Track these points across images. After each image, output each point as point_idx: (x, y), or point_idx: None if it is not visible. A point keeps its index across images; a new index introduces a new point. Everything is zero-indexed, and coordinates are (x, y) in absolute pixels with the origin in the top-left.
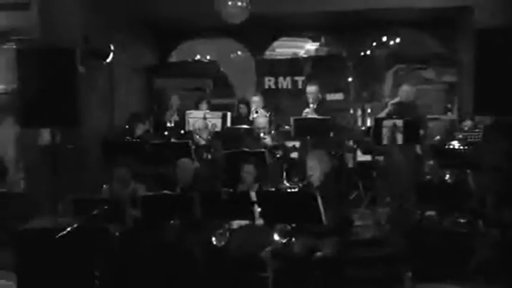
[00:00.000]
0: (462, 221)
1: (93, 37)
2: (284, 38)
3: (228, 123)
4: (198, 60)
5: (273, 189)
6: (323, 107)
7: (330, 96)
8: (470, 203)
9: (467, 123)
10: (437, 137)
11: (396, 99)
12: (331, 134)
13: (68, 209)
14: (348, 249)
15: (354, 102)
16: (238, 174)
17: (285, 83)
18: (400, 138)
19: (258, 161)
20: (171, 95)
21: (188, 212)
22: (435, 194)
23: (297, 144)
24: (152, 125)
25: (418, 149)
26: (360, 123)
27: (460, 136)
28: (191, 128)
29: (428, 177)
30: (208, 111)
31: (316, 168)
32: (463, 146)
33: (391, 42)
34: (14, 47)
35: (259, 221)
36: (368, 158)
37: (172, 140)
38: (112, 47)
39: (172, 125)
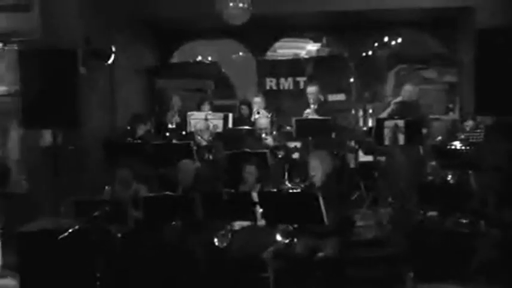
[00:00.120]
0: (464, 221)
1: (94, 38)
2: (285, 39)
3: (230, 124)
4: (200, 61)
5: (275, 190)
6: (324, 107)
7: (332, 97)
8: (472, 203)
9: (469, 124)
10: (439, 138)
11: (399, 99)
12: (333, 135)
13: (70, 210)
14: (349, 250)
15: (356, 102)
16: (239, 175)
17: (286, 83)
18: (401, 139)
19: (260, 161)
20: (172, 96)
21: (190, 213)
22: (437, 194)
23: (299, 144)
24: (154, 125)
25: (420, 149)
26: (361, 123)
27: (462, 136)
28: (192, 129)
29: (430, 177)
30: (210, 112)
31: (318, 169)
32: (465, 146)
33: (393, 43)
34: (16, 48)
35: (261, 222)
36: (370, 158)
37: (174, 141)
38: (113, 48)
39: (174, 126)
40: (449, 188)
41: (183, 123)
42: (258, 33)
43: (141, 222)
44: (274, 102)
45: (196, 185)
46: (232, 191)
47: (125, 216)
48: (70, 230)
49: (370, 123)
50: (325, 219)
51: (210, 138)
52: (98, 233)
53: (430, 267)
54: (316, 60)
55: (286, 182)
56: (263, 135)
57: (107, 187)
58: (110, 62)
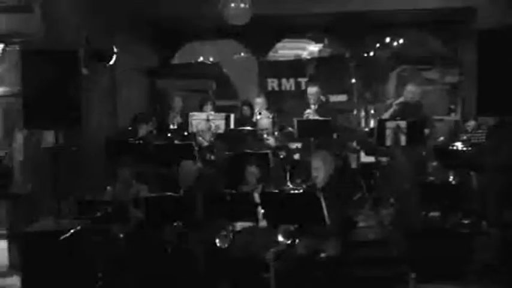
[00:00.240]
0: (465, 221)
1: (95, 39)
2: (287, 40)
3: (232, 125)
4: (201, 62)
5: (277, 191)
6: (324, 108)
7: (334, 98)
8: (474, 204)
9: (471, 124)
10: (441, 138)
11: (400, 100)
12: (335, 135)
13: (72, 210)
14: (351, 250)
15: (358, 103)
16: (241, 175)
17: (288, 84)
18: (403, 140)
19: (261, 162)
20: (173, 97)
21: (191, 214)
22: (439, 194)
23: (300, 145)
24: (155, 125)
25: (422, 150)
26: (363, 124)
27: (464, 137)
28: (194, 130)
29: (431, 178)
30: (212, 112)
31: (320, 169)
32: (467, 147)
33: (395, 43)
34: (18, 49)
35: (263, 223)
36: (371, 159)
37: (175, 141)
38: (115, 49)
39: (175, 126)
40: (451, 188)
41: (184, 124)
42: (260, 33)
43: (142, 222)
44: (276, 103)
45: (197, 186)
46: (234, 191)
47: (126, 217)
48: (72, 231)
49: (371, 124)
50: (327, 220)
51: (212, 138)
52: (99, 233)
53: (431, 267)
54: (317, 61)
55: (288, 183)
56: (265, 136)
57: (108, 187)
58: (111, 62)
